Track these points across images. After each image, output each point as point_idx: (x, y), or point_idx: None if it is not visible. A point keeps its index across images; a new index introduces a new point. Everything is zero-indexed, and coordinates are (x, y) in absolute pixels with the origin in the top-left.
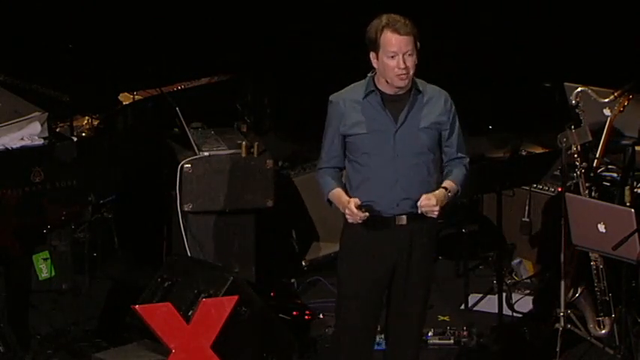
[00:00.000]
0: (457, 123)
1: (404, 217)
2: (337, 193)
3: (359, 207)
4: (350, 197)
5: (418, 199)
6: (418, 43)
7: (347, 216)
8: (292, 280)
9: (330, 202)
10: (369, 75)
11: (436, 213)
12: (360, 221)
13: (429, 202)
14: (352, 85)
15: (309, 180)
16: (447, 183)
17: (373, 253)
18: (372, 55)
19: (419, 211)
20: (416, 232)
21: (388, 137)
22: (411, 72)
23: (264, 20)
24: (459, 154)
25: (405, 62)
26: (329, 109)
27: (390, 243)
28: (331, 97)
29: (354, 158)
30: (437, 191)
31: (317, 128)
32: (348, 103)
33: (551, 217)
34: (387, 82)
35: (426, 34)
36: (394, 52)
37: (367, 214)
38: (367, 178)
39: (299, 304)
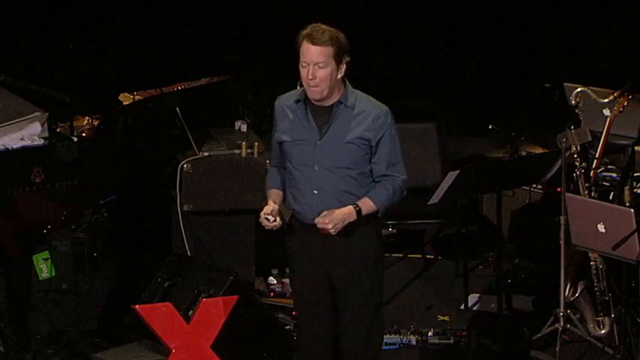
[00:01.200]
0: (389, 141)
1: None
2: (270, 196)
3: (273, 213)
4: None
5: None
6: (346, 56)
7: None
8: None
9: None
10: None
11: (331, 232)
12: (273, 229)
13: (323, 221)
14: (296, 89)
15: None
16: (361, 200)
17: (305, 258)
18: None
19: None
20: (342, 242)
21: (310, 148)
22: (324, 84)
23: (263, 20)
24: (388, 173)
25: (314, 73)
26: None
27: (319, 250)
28: (277, 99)
29: (286, 164)
30: (342, 208)
31: None
32: (282, 108)
33: (550, 217)
34: None
35: (426, 33)
36: (305, 63)
37: (276, 223)
38: (292, 186)
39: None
